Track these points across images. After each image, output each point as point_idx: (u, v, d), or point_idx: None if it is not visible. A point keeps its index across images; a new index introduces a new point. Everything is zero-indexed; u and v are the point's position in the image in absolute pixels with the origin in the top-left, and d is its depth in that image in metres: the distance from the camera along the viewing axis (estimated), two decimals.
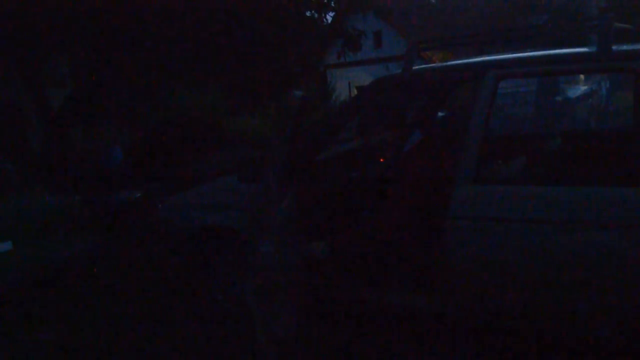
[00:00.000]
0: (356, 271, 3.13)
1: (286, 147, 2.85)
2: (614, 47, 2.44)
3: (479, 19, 30.79)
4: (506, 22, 30.38)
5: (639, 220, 2.24)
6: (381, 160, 3.82)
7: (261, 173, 3.08)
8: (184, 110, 10.89)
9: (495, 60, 2.78)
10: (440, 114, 3.86)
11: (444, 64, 3.02)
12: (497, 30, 2.84)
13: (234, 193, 3.59)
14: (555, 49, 2.93)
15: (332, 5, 10.07)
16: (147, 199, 6.27)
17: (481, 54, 3.22)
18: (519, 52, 2.84)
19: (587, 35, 2.98)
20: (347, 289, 3.13)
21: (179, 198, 4.09)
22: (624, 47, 2.49)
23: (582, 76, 8.81)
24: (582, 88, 8.71)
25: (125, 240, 5.63)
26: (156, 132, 9.96)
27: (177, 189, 5.67)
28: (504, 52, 3.17)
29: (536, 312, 2.56)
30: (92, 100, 9.69)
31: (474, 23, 29.67)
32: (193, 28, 7.88)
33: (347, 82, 21.32)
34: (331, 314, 3.61)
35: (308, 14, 9.69)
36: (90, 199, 6.48)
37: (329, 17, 13.92)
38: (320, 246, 3.00)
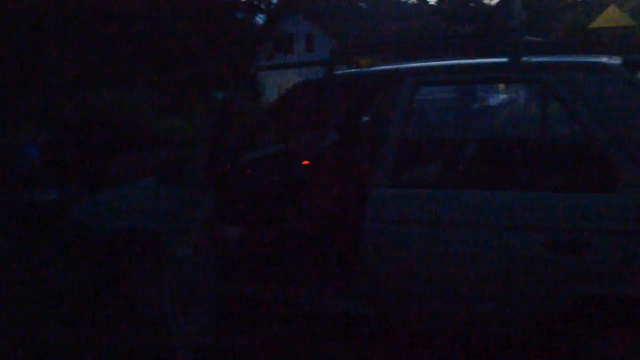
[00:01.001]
0: (275, 274, 3.11)
1: (207, 149, 2.79)
2: (524, 59, 2.54)
3: (410, 27, 31.73)
4: (437, 31, 31.50)
5: (546, 223, 2.34)
6: (304, 163, 3.83)
7: (181, 175, 3.00)
8: (106, 109, 10.49)
9: (414, 68, 2.83)
10: (364, 118, 3.92)
11: (365, 69, 3.06)
12: (420, 38, 2.94)
13: (152, 195, 3.48)
14: (478, 58, 3.03)
15: (262, 7, 10.05)
16: (63, 200, 5.99)
17: (407, 61, 3.29)
18: (438, 60, 2.92)
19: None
20: (266, 292, 3.10)
21: (93, 199, 3.92)
22: (533, 59, 2.60)
23: (502, 85, 9.22)
24: (502, 97, 9.11)
25: (37, 244, 5.34)
26: (77, 131, 9.53)
27: (95, 190, 5.46)
28: (427, 59, 3.25)
29: (450, 312, 2.63)
30: (9, 97, 9.20)
31: (405, 31, 30.55)
32: (117, 26, 7.65)
33: (278, 85, 21.40)
34: (250, 318, 3.57)
35: (239, 15, 9.63)
36: (2, 200, 6.13)
37: (260, 19, 13.91)
38: (234, 231, 2.97)
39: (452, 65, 2.81)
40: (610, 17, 15.72)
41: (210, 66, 10.31)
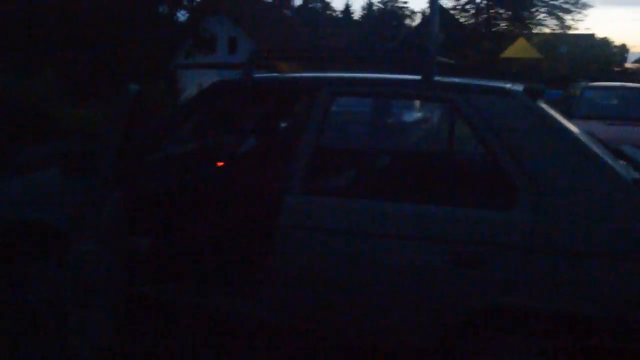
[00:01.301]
0: (185, 277, 3.05)
1: (116, 142, 2.69)
2: (436, 78, 2.66)
3: (332, 38, 32.23)
4: (359, 44, 32.22)
5: (451, 237, 2.45)
6: (218, 164, 3.78)
7: (87, 168, 2.87)
8: (9, 97, 9.84)
9: (331, 77, 2.88)
10: (280, 124, 3.93)
11: (285, 75, 3.08)
12: (336, 49, 3.01)
13: (54, 187, 3.30)
14: (396, 74, 3.13)
15: (185, 3, 9.86)
16: None
17: (325, 70, 3.34)
18: (356, 73, 2.99)
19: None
20: (172, 293, 3.03)
21: None
22: (444, 79, 2.73)
23: (417, 104, 9.57)
24: (417, 114, 9.47)
25: None
26: None
27: None
28: (349, 71, 3.32)
29: (356, 321, 2.68)
30: None
31: (327, 41, 31.00)
32: (27, 11, 7.21)
33: (198, 84, 21.02)
34: (154, 318, 3.47)
35: (160, 9, 9.38)
36: None
37: (182, 17, 13.63)
38: (143, 242, 2.88)
39: (368, 78, 2.89)
40: (519, 48, 16.79)
41: (127, 57, 9.94)
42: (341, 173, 3.23)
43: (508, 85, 2.67)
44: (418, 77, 2.69)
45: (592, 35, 39.95)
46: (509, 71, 21.41)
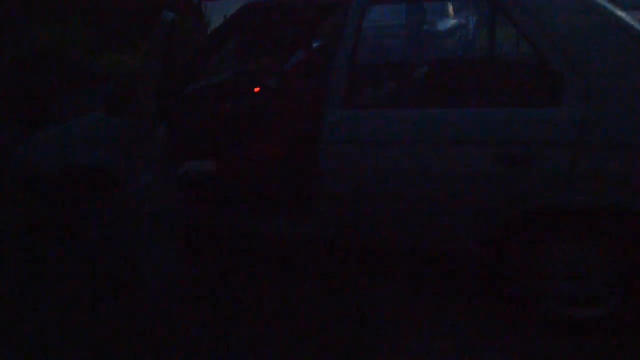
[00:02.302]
0: (233, 201, 3.11)
1: (155, 76, 2.69)
2: None
3: None
4: None
5: (495, 138, 2.40)
6: (256, 89, 3.76)
7: (130, 104, 2.90)
8: (43, 46, 9.92)
9: None
10: (315, 41, 3.84)
11: None
12: None
13: (101, 129, 3.37)
14: None
15: None
16: (2, 141, 5.74)
17: None
18: None
19: None
20: (225, 220, 3.11)
21: (39, 136, 3.77)
22: None
23: (451, 10, 9.16)
24: (452, 22, 9.08)
25: None
26: (12, 69, 9.02)
27: (37, 128, 5.24)
28: None
29: (403, 230, 2.71)
30: None
31: None
32: None
33: (224, 15, 20.60)
34: (211, 245, 3.60)
35: None
36: None
37: None
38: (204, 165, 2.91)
39: None
40: None
41: None
42: (381, 86, 3.15)
43: None
44: None
45: None
46: None
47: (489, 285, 2.92)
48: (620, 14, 2.47)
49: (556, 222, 2.44)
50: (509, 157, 2.36)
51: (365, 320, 2.79)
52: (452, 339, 2.61)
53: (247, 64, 3.66)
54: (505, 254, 2.55)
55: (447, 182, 2.49)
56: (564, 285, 2.52)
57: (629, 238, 2.33)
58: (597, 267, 2.44)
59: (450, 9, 9.05)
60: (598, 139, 2.25)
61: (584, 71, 2.26)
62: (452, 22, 9.05)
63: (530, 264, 2.52)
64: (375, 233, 2.77)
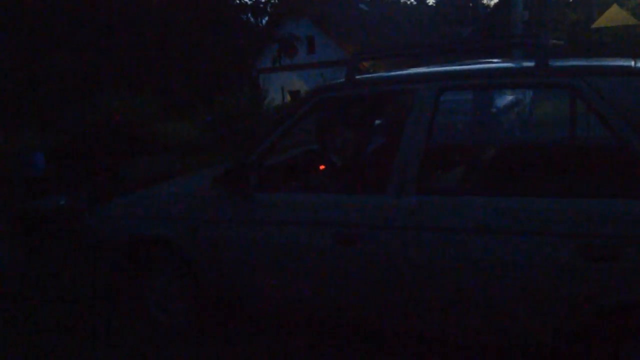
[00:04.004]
0: None
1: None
2: (550, 63, 2.52)
3: (409, 29, 31.71)
4: (435, 33, 31.49)
5: (579, 230, 2.31)
6: (321, 167, 3.81)
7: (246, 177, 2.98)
8: (111, 115, 10.46)
9: (438, 72, 2.80)
10: (378, 122, 3.89)
11: (387, 73, 3.03)
12: (434, 43, 2.91)
13: (172, 201, 3.45)
14: (484, 61, 3.00)
15: (268, 10, 10.03)
16: (72, 205, 5.96)
17: (416, 65, 3.27)
18: (459, 65, 2.89)
19: (511, 49, 3.10)
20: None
21: (110, 205, 3.88)
22: (560, 63, 2.57)
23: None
24: (509, 97, 9.02)
25: (49, 251, 5.30)
26: (82, 137, 9.51)
27: (104, 195, 5.42)
28: (438, 63, 3.23)
29: (477, 319, 2.61)
30: (14, 101, 9.16)
31: (404, 32, 30.56)
32: (126, 32, 7.63)
33: (280, 86, 21.36)
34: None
35: (243, 17, 9.61)
36: (9, 207, 6.11)
37: (263, 22, 13.91)
38: None
39: (477, 70, 2.78)
40: (613, 16, 15.70)
41: (216, 70, 10.28)
42: (453, 170, 3.13)
43: (631, 63, 2.48)
44: (531, 64, 2.56)
45: None
46: (600, 42, 20.06)
47: None
48: None
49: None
50: (594, 252, 2.27)
51: None
52: None
53: (314, 144, 3.73)
54: (583, 346, 2.41)
55: (528, 273, 2.40)
56: None
57: None
58: None
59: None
60: None
61: None
62: (509, 98, 9.00)
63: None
64: (443, 323, 2.68)
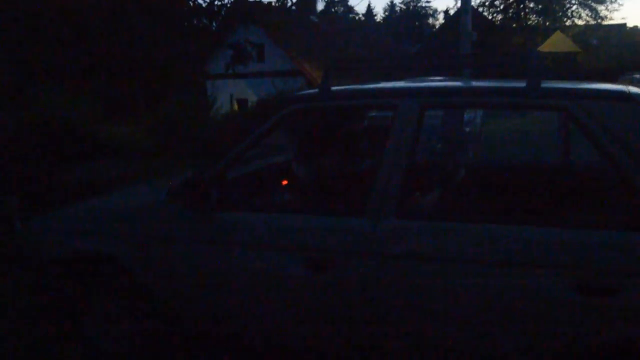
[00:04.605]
0: None
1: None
2: (544, 84, 2.38)
3: (358, 43, 31.95)
4: (382, 49, 31.85)
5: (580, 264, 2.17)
6: (283, 182, 3.56)
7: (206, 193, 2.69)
8: (48, 116, 9.80)
9: (422, 88, 2.62)
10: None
11: (366, 85, 2.82)
12: (413, 57, 2.75)
13: (121, 215, 3.10)
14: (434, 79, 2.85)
15: (222, 13, 9.71)
16: (1, 212, 5.42)
17: (381, 79, 3.09)
18: (444, 81, 2.72)
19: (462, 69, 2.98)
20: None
21: (51, 216, 3.48)
22: (550, 85, 2.44)
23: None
24: (466, 116, 8.94)
25: None
26: (15, 139, 8.82)
27: (39, 203, 4.96)
28: (411, 79, 3.07)
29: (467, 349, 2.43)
30: None
31: (354, 46, 30.75)
32: (69, 27, 7.15)
33: (230, 94, 20.90)
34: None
35: (195, 21, 9.25)
36: None
37: (215, 26, 13.53)
38: None
39: (465, 88, 2.60)
40: (557, 42, 16.28)
41: (161, 73, 9.85)
42: (433, 192, 2.95)
43: (626, 89, 2.37)
44: (521, 84, 2.41)
45: (623, 25, 38.88)
46: (543, 65, 20.73)
47: None
48: None
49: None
50: (589, 286, 2.12)
51: None
52: None
53: (277, 157, 3.48)
54: None
55: (516, 306, 2.23)
56: None
57: None
58: None
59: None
60: None
61: None
62: (466, 117, 8.92)
63: None
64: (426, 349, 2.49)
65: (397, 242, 2.40)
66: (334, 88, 2.74)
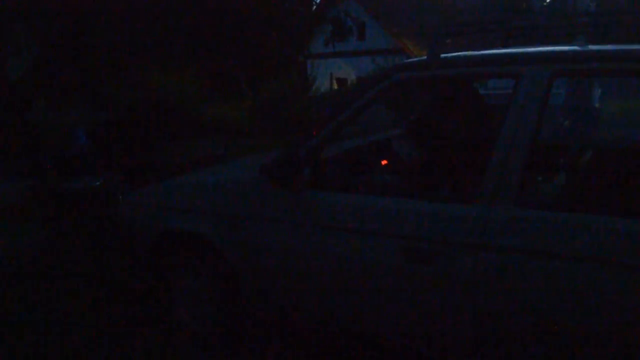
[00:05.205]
0: None
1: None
2: None
3: (462, 18, 30.57)
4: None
5: None
6: (384, 162, 3.27)
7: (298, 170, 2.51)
8: (155, 94, 10.12)
9: (554, 53, 2.22)
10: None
11: (482, 52, 2.45)
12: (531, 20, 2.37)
13: (210, 192, 2.97)
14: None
15: None
16: (107, 188, 5.59)
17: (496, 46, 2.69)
18: (573, 45, 2.29)
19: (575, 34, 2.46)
20: None
21: (143, 192, 3.43)
22: None
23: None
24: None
25: (80, 236, 4.93)
26: (125, 115, 9.17)
27: (141, 179, 5.02)
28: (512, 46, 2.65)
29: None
30: (55, 73, 8.94)
31: (456, 21, 29.43)
32: (171, 8, 7.25)
33: (329, 73, 20.73)
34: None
35: None
36: (44, 185, 5.79)
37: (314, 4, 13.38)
38: None
39: (606, 52, 2.14)
40: None
41: (263, 53, 9.81)
42: (559, 177, 2.54)
43: None
44: None
45: None
46: None
47: None
48: None
49: None
50: None
51: None
52: None
53: (377, 135, 3.18)
54: None
55: None
56: None
57: None
58: None
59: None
60: None
61: None
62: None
63: None
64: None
65: (514, 234, 2.05)
66: (444, 55, 2.41)
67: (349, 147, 3.22)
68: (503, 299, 2.09)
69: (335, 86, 20.78)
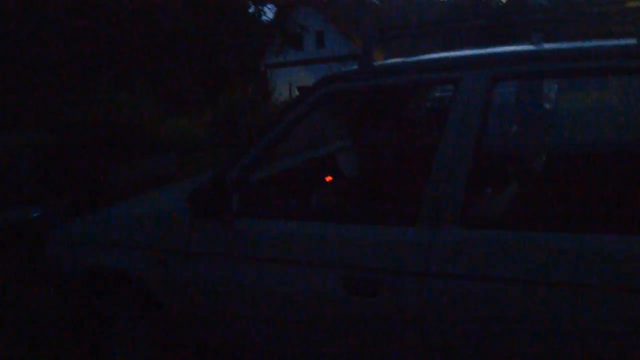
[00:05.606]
0: None
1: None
2: None
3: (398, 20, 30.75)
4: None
5: None
6: (328, 179, 3.03)
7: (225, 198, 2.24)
8: (108, 113, 9.75)
9: (492, 55, 2.02)
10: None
11: (417, 58, 2.24)
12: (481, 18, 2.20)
13: (137, 225, 2.69)
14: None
15: None
16: (47, 219, 5.23)
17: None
18: (517, 46, 2.09)
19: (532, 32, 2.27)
20: None
21: (70, 226, 3.14)
22: None
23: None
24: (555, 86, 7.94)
25: (12, 273, 4.55)
26: (75, 136, 8.76)
27: (89, 206, 4.70)
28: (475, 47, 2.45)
29: None
30: (7, 96, 8.57)
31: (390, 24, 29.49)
32: (121, 25, 6.98)
33: (288, 82, 20.58)
34: None
35: (249, 9, 8.92)
36: None
37: (270, 14, 13.19)
38: None
39: (552, 51, 1.94)
40: None
41: (219, 65, 9.58)
42: (507, 190, 2.33)
43: None
44: (630, 42, 1.77)
45: None
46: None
47: None
48: None
49: None
50: None
51: None
52: None
53: (319, 149, 2.95)
54: None
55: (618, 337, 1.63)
56: None
57: None
58: None
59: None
60: None
61: None
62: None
63: None
64: None
65: (461, 258, 1.83)
66: (378, 63, 2.19)
67: (285, 167, 2.97)
68: (453, 332, 1.87)
69: (297, 94, 20.62)
